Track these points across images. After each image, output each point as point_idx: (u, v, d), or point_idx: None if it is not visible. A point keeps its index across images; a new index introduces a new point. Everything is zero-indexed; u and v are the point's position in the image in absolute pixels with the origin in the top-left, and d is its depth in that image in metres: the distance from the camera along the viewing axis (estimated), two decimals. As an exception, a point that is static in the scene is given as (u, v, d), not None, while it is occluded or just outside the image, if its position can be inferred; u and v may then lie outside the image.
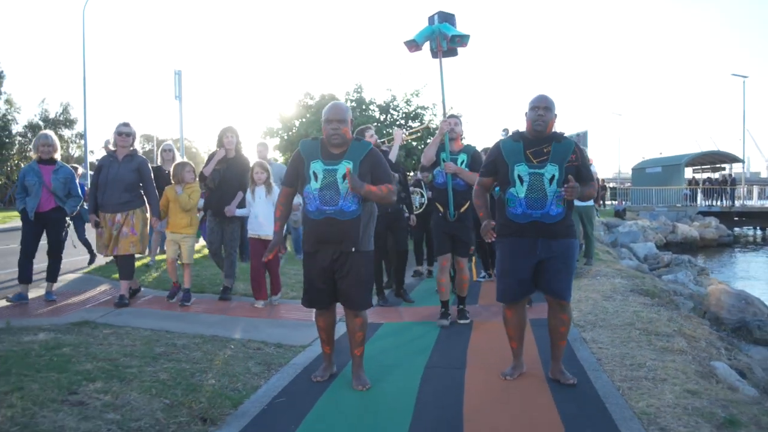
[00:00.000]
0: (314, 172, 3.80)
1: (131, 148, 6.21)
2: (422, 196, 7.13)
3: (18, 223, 20.12)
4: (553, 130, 3.95)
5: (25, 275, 6.18)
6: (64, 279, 7.49)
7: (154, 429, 2.98)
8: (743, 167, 38.31)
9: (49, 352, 3.84)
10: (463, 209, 5.65)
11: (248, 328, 5.18)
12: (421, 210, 7.10)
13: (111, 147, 6.28)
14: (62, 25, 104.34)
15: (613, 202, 35.33)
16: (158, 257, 8.64)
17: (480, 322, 5.76)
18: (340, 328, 4.49)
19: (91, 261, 9.13)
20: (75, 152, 46.57)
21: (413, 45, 6.05)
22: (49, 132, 6.65)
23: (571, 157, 3.84)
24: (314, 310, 4.06)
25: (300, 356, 4.54)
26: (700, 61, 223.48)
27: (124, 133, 6.11)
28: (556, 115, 3.94)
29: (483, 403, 3.57)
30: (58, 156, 6.50)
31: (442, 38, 5.93)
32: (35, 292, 6.47)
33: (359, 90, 23.95)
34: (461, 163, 5.68)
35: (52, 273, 6.33)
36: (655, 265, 15.15)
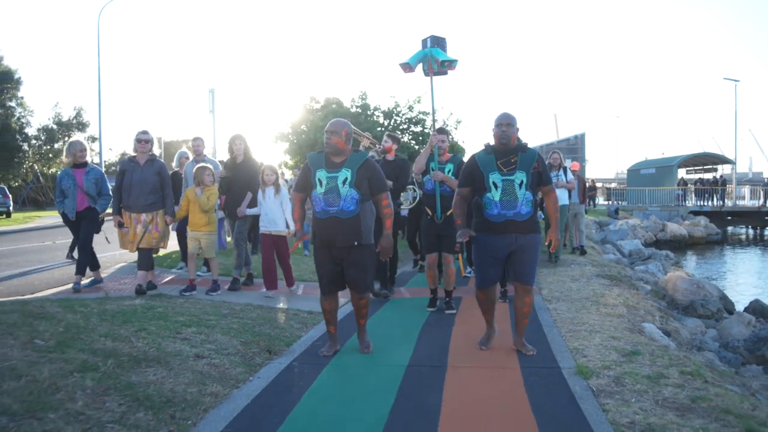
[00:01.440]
0: (319, 179, 4.49)
1: (150, 153, 6.74)
2: (415, 191, 7.50)
3: (40, 222, 21.67)
4: (517, 142, 4.60)
5: (93, 264, 7.22)
6: (113, 268, 8.94)
7: (238, 354, 4.41)
8: (733, 168, 39.52)
9: (149, 311, 5.27)
10: (449, 212, 6.18)
11: (285, 301, 6.58)
12: (414, 204, 7.51)
13: (131, 153, 6.80)
14: (76, 30, 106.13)
15: (608, 202, 36.68)
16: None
17: (466, 309, 6.39)
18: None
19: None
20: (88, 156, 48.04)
21: (407, 67, 6.78)
22: (81, 138, 7.75)
23: (534, 164, 4.52)
24: (320, 295, 4.74)
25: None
26: (698, 64, 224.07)
27: (143, 140, 6.66)
28: (517, 129, 4.59)
29: (461, 388, 3.91)
30: (89, 159, 7.19)
31: (433, 61, 6.63)
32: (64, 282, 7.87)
33: (364, 97, 25.31)
34: (448, 172, 6.28)
35: (80, 265, 7.02)
36: (636, 259, 16.53)
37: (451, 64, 6.73)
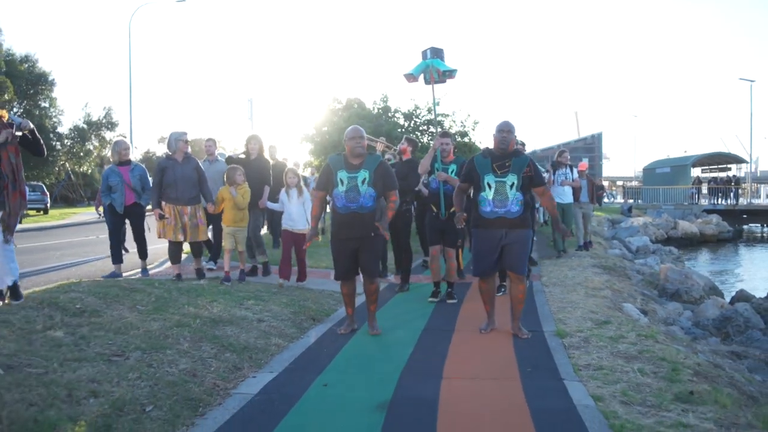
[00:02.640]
0: (341, 179, 5.06)
1: (186, 152, 7.24)
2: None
3: (76, 219, 23.10)
4: (514, 147, 5.18)
5: (118, 257, 7.62)
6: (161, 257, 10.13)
7: (290, 320, 5.62)
8: (749, 167, 40.06)
9: (215, 288, 6.49)
10: (452, 209, 6.42)
11: (319, 284, 7.74)
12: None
13: (168, 152, 7.32)
14: (106, 33, 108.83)
15: (622, 200, 37.49)
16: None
17: (468, 300, 6.98)
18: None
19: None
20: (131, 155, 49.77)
21: (411, 77, 7.24)
22: (125, 138, 8.67)
23: (525, 168, 5.03)
24: (340, 281, 5.39)
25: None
26: (716, 63, 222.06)
27: (182, 140, 7.19)
28: (515, 136, 5.15)
29: (463, 343, 4.98)
30: (132, 157, 7.73)
31: (434, 71, 7.06)
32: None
33: (385, 99, 26.47)
34: (451, 172, 6.65)
35: (142, 252, 7.81)
36: (643, 255, 17.50)
37: (451, 74, 7.21)
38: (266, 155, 8.62)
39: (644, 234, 23.38)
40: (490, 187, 5.06)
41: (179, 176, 7.03)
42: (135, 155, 51.21)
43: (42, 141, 5.30)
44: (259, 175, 7.82)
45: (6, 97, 35.88)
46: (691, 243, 27.15)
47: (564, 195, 10.68)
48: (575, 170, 11.09)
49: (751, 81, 39.22)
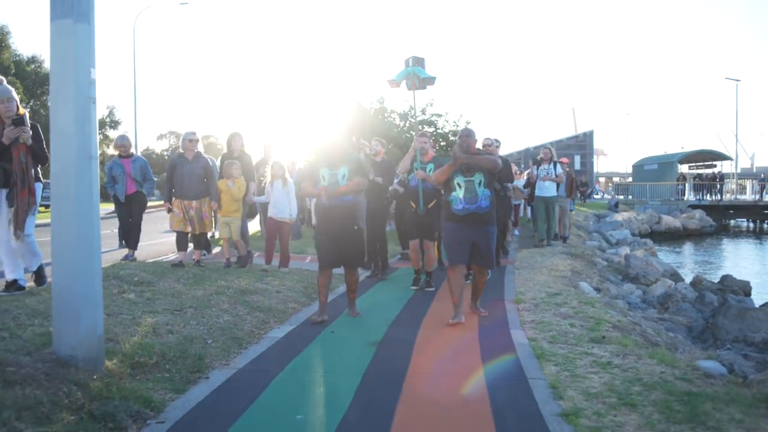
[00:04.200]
0: (323, 175, 5.58)
1: (196, 150, 7.79)
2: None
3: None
4: (476, 148, 5.78)
5: (132, 242, 8.52)
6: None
7: (302, 292, 6.97)
8: (734, 165, 41.46)
9: (236, 270, 7.83)
10: (430, 205, 7.11)
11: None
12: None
13: (180, 150, 7.90)
14: (109, 33, 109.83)
15: (608, 196, 38.91)
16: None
17: (443, 290, 7.31)
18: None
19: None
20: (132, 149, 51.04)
21: (393, 83, 7.83)
22: (127, 134, 8.52)
23: None
24: (318, 271, 5.80)
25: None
26: (707, 63, 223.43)
27: (193, 140, 7.80)
28: (476, 140, 5.74)
29: (438, 309, 6.52)
30: (133, 150, 8.55)
31: (416, 78, 7.66)
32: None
33: (381, 101, 27.79)
34: (429, 171, 6.98)
35: (133, 242, 8.45)
36: (620, 246, 18.87)
37: (430, 80, 7.87)
38: (263, 154, 9.38)
39: (627, 228, 24.73)
40: (460, 186, 5.57)
41: (187, 173, 7.60)
42: (136, 152, 52.41)
43: (45, 149, 5.53)
44: (246, 172, 8.23)
45: (16, 98, 37.14)
46: (673, 237, 28.51)
47: (546, 189, 11.76)
48: (558, 166, 11.92)
49: (737, 80, 40.64)
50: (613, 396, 3.67)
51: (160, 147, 60.82)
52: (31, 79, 41.19)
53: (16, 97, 5.41)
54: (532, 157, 14.97)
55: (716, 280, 11.76)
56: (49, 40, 3.37)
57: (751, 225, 35.13)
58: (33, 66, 41.60)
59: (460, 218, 5.58)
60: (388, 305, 6.60)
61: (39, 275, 5.78)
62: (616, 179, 65.52)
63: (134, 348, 4.03)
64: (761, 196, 35.80)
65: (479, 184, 5.55)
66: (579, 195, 28.48)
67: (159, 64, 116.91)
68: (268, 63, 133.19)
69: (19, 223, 5.25)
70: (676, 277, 12.44)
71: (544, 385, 3.90)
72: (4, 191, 5.30)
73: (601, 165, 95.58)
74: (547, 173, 11.74)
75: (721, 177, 37.44)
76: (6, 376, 3.09)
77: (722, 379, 4.22)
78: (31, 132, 5.34)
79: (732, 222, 35.39)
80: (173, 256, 8.77)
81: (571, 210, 14.27)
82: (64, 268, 3.46)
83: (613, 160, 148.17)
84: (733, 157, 40.67)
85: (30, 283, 5.70)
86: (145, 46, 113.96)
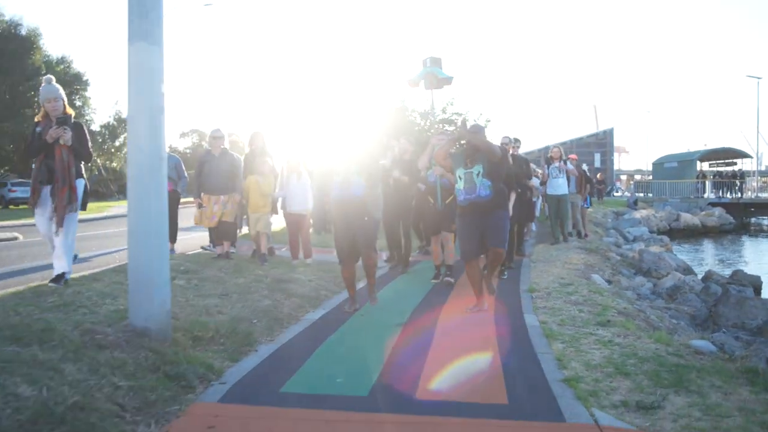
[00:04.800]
0: (337, 172, 5.84)
1: (222, 147, 8.11)
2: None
3: (114, 212, 25.29)
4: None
5: (171, 236, 8.89)
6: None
7: (332, 281, 7.53)
8: (756, 163, 41.36)
9: (272, 261, 8.45)
10: (448, 200, 7.29)
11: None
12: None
13: (207, 146, 8.29)
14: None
15: (628, 194, 39.04)
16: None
17: (462, 281, 7.56)
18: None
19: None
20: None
21: (412, 82, 8.55)
22: None
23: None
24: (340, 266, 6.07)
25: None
26: (728, 60, 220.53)
27: (218, 137, 8.12)
28: (484, 135, 5.89)
29: (458, 297, 7.61)
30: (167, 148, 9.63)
31: (433, 78, 8.36)
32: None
33: (402, 101, 28.30)
34: None
35: (173, 236, 8.89)
36: (637, 243, 19.26)
37: (448, 80, 8.55)
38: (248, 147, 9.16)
39: (645, 226, 25.04)
40: (461, 178, 5.83)
41: (214, 169, 7.91)
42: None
43: (88, 147, 5.73)
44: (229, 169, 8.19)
45: (64, 97, 38.29)
46: (692, 234, 28.69)
47: (558, 187, 12.27)
48: (568, 163, 12.37)
49: (758, 78, 40.52)
50: (611, 367, 4.20)
51: (182, 145, 61.94)
52: (60, 80, 42.16)
53: (64, 97, 5.65)
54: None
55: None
56: (127, 60, 3.98)
57: (772, 222, 35.12)
58: (62, 66, 42.75)
59: (464, 209, 5.86)
60: (411, 294, 7.11)
61: (59, 276, 5.51)
62: (638, 177, 65.33)
63: (192, 324, 4.64)
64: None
65: (477, 174, 5.75)
66: (596, 193, 28.69)
67: (182, 62, 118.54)
68: (285, 61, 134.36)
69: (59, 219, 5.39)
70: (688, 272, 12.83)
71: (551, 358, 4.45)
72: (49, 187, 5.49)
73: (623, 162, 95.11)
74: (559, 171, 12.17)
75: (742, 175, 37.43)
76: (98, 342, 3.71)
77: (711, 356, 4.74)
78: (71, 132, 5.46)
79: (753, 220, 35.42)
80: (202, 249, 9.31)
81: (586, 206, 14.55)
82: (139, 253, 4.08)
83: (636, 158, 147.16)
84: (754, 155, 40.55)
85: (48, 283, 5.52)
86: (169, 45, 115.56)
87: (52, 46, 77.78)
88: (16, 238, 13.30)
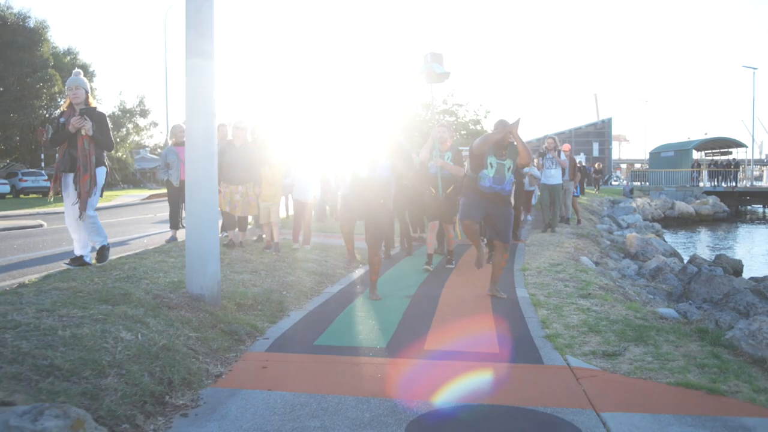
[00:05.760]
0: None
1: (243, 138, 8.29)
2: None
3: (122, 201, 26.12)
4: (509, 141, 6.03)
5: (175, 224, 9.36)
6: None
7: (344, 261, 8.39)
8: (752, 152, 42.12)
9: (287, 248, 9.31)
10: (449, 190, 7.75)
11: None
12: None
13: (230, 137, 8.45)
14: (140, 24, 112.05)
15: (625, 182, 39.82)
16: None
17: (460, 267, 8.63)
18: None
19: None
20: (149, 140, 53.28)
21: (414, 77, 9.39)
22: (183, 124, 8.11)
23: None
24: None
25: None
26: (730, 50, 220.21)
27: (240, 128, 8.28)
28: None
29: (459, 275, 8.73)
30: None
31: (432, 73, 8.84)
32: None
33: (407, 94, 29.03)
34: (447, 159, 7.65)
35: (174, 224, 9.35)
36: (631, 230, 20.11)
37: (446, 75, 9.04)
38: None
39: (640, 214, 25.88)
40: (492, 166, 5.94)
41: (234, 159, 8.12)
42: (160, 140, 54.76)
43: (109, 137, 6.05)
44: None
45: (55, 89, 39.19)
46: (687, 222, 29.53)
47: (551, 178, 13.10)
48: (562, 154, 12.98)
49: (754, 69, 41.20)
50: (585, 327, 5.07)
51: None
52: (67, 71, 43.07)
53: (87, 88, 5.94)
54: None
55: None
56: (185, 72, 4.81)
57: (767, 211, 35.93)
58: (69, 57, 43.49)
59: (483, 193, 5.99)
60: (416, 273, 8.01)
61: (101, 253, 6.22)
62: (637, 166, 66.13)
63: (234, 294, 5.51)
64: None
65: (508, 169, 6.02)
66: (593, 182, 29.40)
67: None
68: (290, 55, 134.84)
69: (81, 204, 5.75)
70: (674, 256, 13.69)
71: (536, 321, 5.31)
72: (71, 175, 5.85)
73: (623, 151, 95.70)
74: (552, 162, 12.90)
75: (737, 164, 38.21)
76: (167, 303, 4.58)
77: (672, 320, 5.60)
78: (91, 123, 5.73)
79: (748, 208, 36.26)
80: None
81: (576, 194, 15.16)
82: (196, 232, 4.93)
83: (635, 147, 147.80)
84: (749, 144, 41.34)
85: (93, 261, 6.31)
86: (177, 38, 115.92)
87: (59, 38, 78.60)
88: (41, 225, 14.13)
